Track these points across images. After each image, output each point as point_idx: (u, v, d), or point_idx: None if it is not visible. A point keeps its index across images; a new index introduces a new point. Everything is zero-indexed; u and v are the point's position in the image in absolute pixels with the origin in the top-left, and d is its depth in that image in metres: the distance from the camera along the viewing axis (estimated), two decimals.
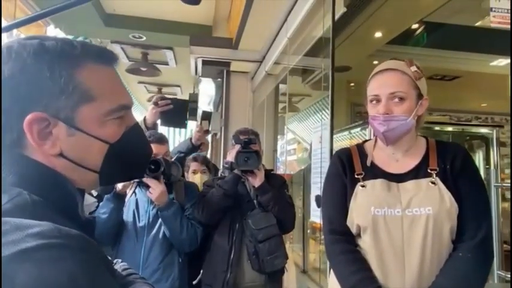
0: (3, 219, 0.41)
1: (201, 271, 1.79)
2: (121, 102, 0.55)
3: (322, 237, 2.28)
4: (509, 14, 1.40)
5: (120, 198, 1.66)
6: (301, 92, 4.32)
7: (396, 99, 0.98)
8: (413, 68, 0.99)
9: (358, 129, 2.11)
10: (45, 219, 0.43)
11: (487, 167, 2.39)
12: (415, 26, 2.87)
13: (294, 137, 3.63)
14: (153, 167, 1.59)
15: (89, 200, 1.93)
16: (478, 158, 2.47)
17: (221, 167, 3.54)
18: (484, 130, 2.56)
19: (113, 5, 3.57)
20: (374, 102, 1.02)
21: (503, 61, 3.64)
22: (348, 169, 1.07)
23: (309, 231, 2.78)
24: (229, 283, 1.68)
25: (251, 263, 1.71)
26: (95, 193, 1.98)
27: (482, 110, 5.60)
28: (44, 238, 0.40)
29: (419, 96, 1.00)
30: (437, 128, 2.50)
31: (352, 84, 4.20)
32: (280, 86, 3.67)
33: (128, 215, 1.73)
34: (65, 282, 0.40)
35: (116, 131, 0.54)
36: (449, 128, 2.58)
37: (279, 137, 3.80)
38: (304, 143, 3.40)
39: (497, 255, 2.04)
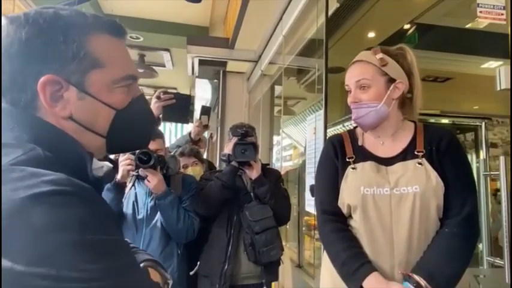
0: (20, 167, 0.44)
1: (198, 262, 1.80)
2: (129, 72, 0.58)
3: (317, 235, 2.32)
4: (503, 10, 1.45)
5: (119, 188, 1.68)
6: (296, 95, 4.36)
7: (362, 88, 1.04)
8: (379, 56, 1.05)
9: (352, 122, 2.15)
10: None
11: (477, 160, 2.45)
12: (406, 26, 2.94)
13: (290, 142, 3.64)
14: (145, 158, 1.61)
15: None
16: (470, 153, 2.52)
17: (217, 164, 3.57)
18: (473, 122, 2.63)
19: (111, 5, 3.61)
20: (348, 93, 1.09)
21: (494, 63, 3.72)
22: (340, 153, 1.11)
23: (304, 228, 2.81)
24: (226, 274, 1.70)
25: (247, 254, 1.73)
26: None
27: (475, 112, 5.67)
28: (57, 185, 0.43)
29: (391, 80, 1.04)
30: (432, 120, 2.56)
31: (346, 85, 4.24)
32: (276, 88, 3.72)
33: (127, 207, 1.75)
34: (75, 227, 0.42)
35: (123, 98, 0.57)
36: (443, 121, 2.65)
37: (274, 143, 3.82)
38: (299, 147, 3.41)
39: (487, 241, 2.07)
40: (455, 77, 4.26)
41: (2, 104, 0.54)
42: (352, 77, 1.06)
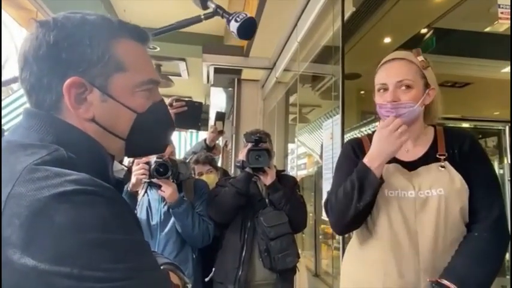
0: (44, 167, 0.45)
1: (213, 269, 1.80)
2: (150, 76, 0.59)
3: (335, 244, 2.28)
4: None
5: (132, 197, 1.70)
6: (311, 102, 4.35)
7: (403, 87, 1.00)
8: (420, 58, 1.02)
9: (369, 127, 2.13)
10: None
11: (501, 166, 2.37)
12: (424, 31, 2.90)
13: (305, 150, 3.62)
14: (161, 169, 1.63)
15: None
16: (493, 159, 2.44)
17: (232, 172, 3.57)
18: (496, 126, 2.54)
19: (129, 16, 3.70)
20: (381, 91, 1.04)
21: None
22: (360, 155, 1.08)
23: (321, 236, 2.77)
24: (240, 280, 1.69)
25: (262, 260, 1.72)
26: None
27: (496, 118, 5.52)
28: (80, 185, 0.44)
29: (426, 85, 1.02)
30: (451, 125, 2.49)
31: (362, 92, 4.21)
32: (290, 97, 3.72)
33: (141, 214, 1.77)
34: (98, 226, 0.43)
35: (144, 102, 0.58)
36: (464, 125, 2.57)
37: (289, 151, 3.81)
38: (315, 156, 3.38)
39: None
40: (474, 82, 4.17)
41: (28, 106, 0.56)
42: (393, 75, 1.01)
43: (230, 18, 0.91)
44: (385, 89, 1.03)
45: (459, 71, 3.71)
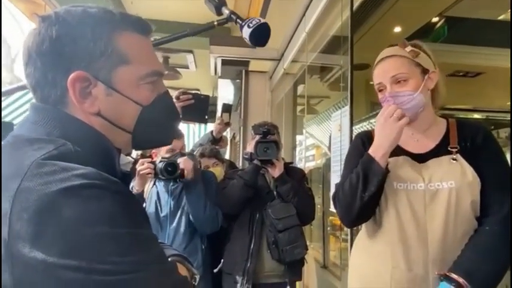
0: (52, 161, 0.45)
1: (222, 260, 1.82)
2: (154, 68, 0.59)
3: (343, 236, 2.28)
4: None
5: (138, 195, 1.72)
6: (319, 93, 4.31)
7: (399, 82, 1.01)
8: (408, 48, 1.03)
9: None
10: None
11: None
12: (435, 19, 2.83)
13: (313, 142, 3.59)
14: (170, 169, 1.65)
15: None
16: (505, 150, 2.40)
17: (240, 164, 3.58)
18: (508, 116, 2.48)
19: (136, 9, 3.69)
20: (380, 90, 1.06)
21: None
22: (369, 148, 1.08)
23: (329, 228, 2.77)
24: (249, 272, 1.71)
25: (271, 252, 1.73)
26: None
27: (508, 109, 5.41)
28: (87, 179, 0.44)
29: (424, 71, 1.02)
30: (462, 116, 2.44)
31: (371, 82, 4.15)
32: (298, 88, 3.69)
33: (150, 206, 1.79)
34: (105, 219, 0.43)
35: (149, 95, 0.58)
36: (475, 116, 2.52)
37: (297, 142, 3.79)
38: (323, 147, 3.36)
39: None
40: (486, 71, 4.07)
41: (34, 101, 0.56)
42: (386, 72, 1.03)
43: (243, 24, 0.88)
44: (383, 88, 1.04)
45: (471, 61, 3.63)
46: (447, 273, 0.90)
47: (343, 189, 1.03)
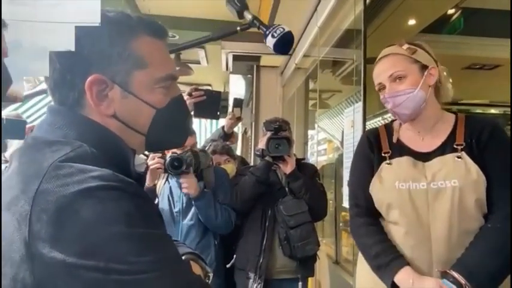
0: (69, 163, 0.46)
1: (234, 256, 1.83)
2: (169, 72, 0.60)
3: None
4: None
5: (150, 191, 1.73)
6: (331, 88, 4.27)
7: (397, 80, 1.01)
8: (405, 46, 1.03)
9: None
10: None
11: None
12: (451, 11, 2.76)
13: (325, 136, 3.57)
14: (176, 163, 1.65)
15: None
16: None
17: (252, 160, 3.59)
18: None
19: (148, 5, 3.71)
20: (381, 90, 1.06)
21: None
22: (376, 148, 1.10)
23: (341, 224, 2.75)
24: (261, 268, 1.72)
25: (282, 248, 1.74)
26: None
27: None
28: (104, 180, 0.45)
29: (423, 67, 1.01)
30: (478, 111, 2.38)
31: None
32: (310, 83, 3.66)
33: (163, 202, 1.81)
34: (122, 219, 0.44)
35: (163, 98, 0.59)
36: (492, 111, 2.45)
37: (309, 137, 3.77)
38: (335, 141, 3.33)
39: None
40: (504, 64, 3.95)
41: (52, 104, 0.57)
42: (383, 71, 1.04)
43: (267, 32, 0.87)
44: (383, 87, 1.05)
45: (488, 53, 3.53)
46: (448, 271, 0.90)
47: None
